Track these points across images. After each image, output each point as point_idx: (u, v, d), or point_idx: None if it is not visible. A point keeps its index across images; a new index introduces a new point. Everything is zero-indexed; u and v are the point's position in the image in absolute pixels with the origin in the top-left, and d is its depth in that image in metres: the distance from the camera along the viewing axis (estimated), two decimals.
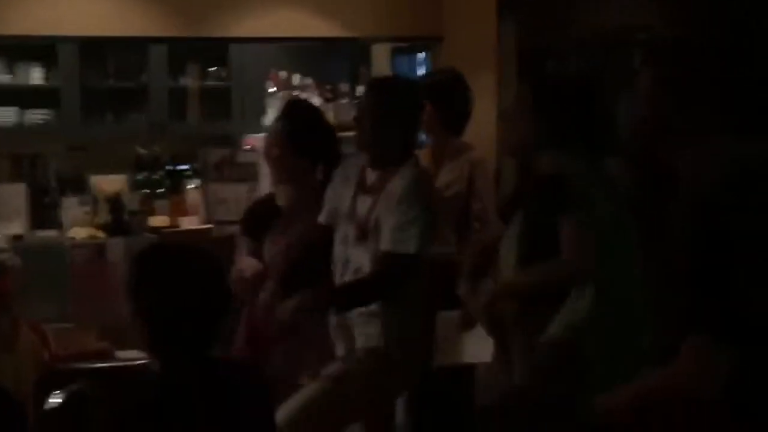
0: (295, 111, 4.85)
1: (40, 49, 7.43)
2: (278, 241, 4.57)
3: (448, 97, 5.23)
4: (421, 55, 8.02)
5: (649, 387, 2.09)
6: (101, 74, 7.70)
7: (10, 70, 7.49)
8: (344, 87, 7.84)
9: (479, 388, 4.48)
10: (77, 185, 7.19)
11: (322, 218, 4.39)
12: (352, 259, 4.20)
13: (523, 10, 6.63)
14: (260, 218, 4.69)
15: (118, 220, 6.87)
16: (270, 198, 4.81)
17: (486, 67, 6.72)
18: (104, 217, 6.89)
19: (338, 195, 4.31)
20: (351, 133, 7.17)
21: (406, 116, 4.25)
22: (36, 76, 7.52)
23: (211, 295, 2.86)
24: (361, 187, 4.24)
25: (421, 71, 7.99)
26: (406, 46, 8.09)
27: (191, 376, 2.84)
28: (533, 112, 3.64)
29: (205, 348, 2.89)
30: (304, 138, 4.59)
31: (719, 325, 1.96)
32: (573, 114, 3.61)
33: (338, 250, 4.28)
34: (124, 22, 7.03)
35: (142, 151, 7.47)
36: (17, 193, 6.82)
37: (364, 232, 4.14)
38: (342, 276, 4.24)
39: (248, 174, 7.16)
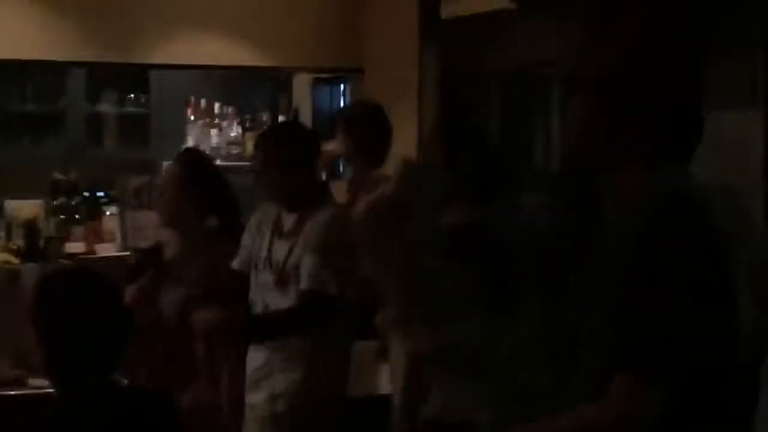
0: (188, 158, 4.89)
1: None
2: (173, 290, 4.54)
3: (366, 129, 5.27)
4: (342, 86, 8.04)
5: (575, 425, 2.07)
6: (18, 97, 7.62)
7: None
8: (264, 116, 7.83)
9: (394, 418, 4.48)
10: None
11: (235, 264, 4.39)
12: (270, 305, 4.20)
13: (444, 42, 6.68)
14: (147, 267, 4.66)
15: (34, 245, 6.76)
16: (158, 246, 4.78)
17: (407, 97, 6.76)
18: (19, 242, 6.79)
19: (254, 242, 4.31)
20: None
21: (308, 159, 4.28)
22: None
23: (108, 318, 2.86)
24: (277, 233, 4.26)
25: (342, 102, 8.02)
26: (327, 77, 8.12)
27: (90, 401, 2.83)
28: (442, 166, 3.63)
29: (104, 373, 2.88)
30: (194, 185, 4.59)
31: (649, 363, 1.95)
32: (478, 165, 3.61)
33: (255, 296, 4.27)
34: (42, 45, 6.94)
35: (59, 176, 7.38)
36: None
37: (283, 278, 4.15)
38: None
39: None
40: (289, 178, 4.20)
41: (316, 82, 8.25)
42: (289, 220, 4.24)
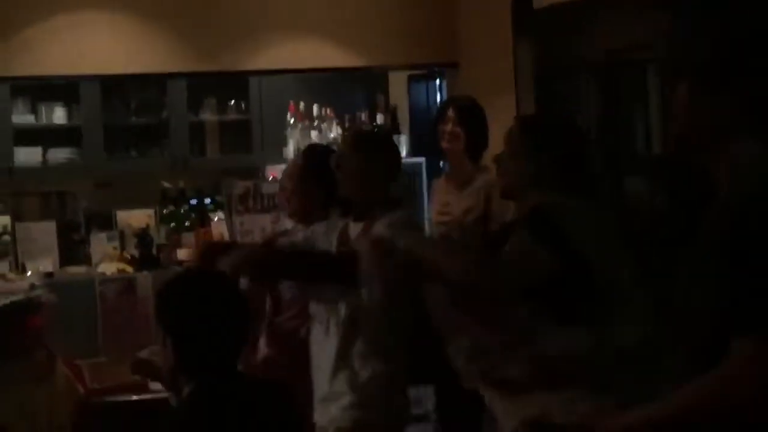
0: (312, 151, 4.88)
1: (62, 89, 7.56)
2: None
3: (478, 119, 5.31)
4: (438, 82, 8.11)
5: (696, 396, 2.09)
6: (123, 111, 7.83)
7: (34, 111, 7.62)
8: (363, 116, 7.93)
9: None
10: (104, 221, 7.28)
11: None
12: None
13: (537, 33, 6.69)
14: None
15: (146, 254, 6.95)
16: (283, 234, 4.82)
17: (503, 92, 6.77)
18: (132, 251, 6.98)
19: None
20: None
21: (385, 169, 4.16)
22: (59, 115, 7.65)
23: (233, 313, 3.01)
24: (344, 243, 4.12)
25: (438, 98, 8.08)
26: (422, 74, 8.19)
27: (223, 393, 2.97)
28: (522, 156, 3.59)
29: (232, 365, 3.03)
30: (318, 177, 4.57)
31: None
32: (557, 155, 3.57)
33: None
34: (144, 58, 7.12)
35: (167, 185, 7.58)
36: (48, 230, 6.90)
37: None
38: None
39: (272, 205, 7.24)
40: (362, 185, 4.10)
41: (412, 79, 8.33)
42: (355, 229, 4.11)
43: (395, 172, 4.26)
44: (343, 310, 3.97)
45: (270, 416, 3.04)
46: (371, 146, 4.21)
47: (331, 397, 4.00)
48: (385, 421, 3.99)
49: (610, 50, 6.37)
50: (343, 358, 3.97)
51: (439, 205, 5.32)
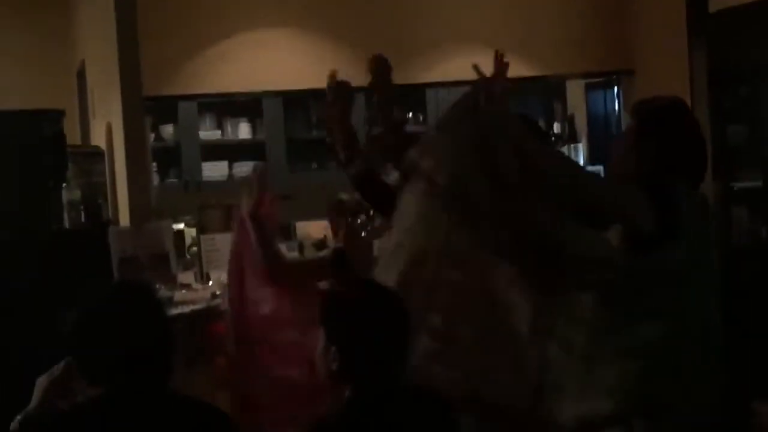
0: None
1: (246, 105, 7.80)
2: None
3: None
4: (616, 89, 8.03)
5: None
6: (304, 125, 8.02)
7: (219, 127, 7.88)
8: (540, 124, 7.90)
9: None
10: (284, 232, 7.45)
11: None
12: None
13: (714, 37, 6.57)
14: None
15: None
16: None
17: (679, 95, 6.67)
18: None
19: None
20: None
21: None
22: (243, 130, 7.89)
23: (395, 326, 3.03)
24: None
25: (616, 105, 8.00)
26: (600, 81, 8.12)
27: (381, 400, 3.01)
28: (636, 145, 3.48)
29: (392, 376, 3.05)
30: None
31: None
32: (671, 145, 3.45)
33: None
34: (324, 74, 7.25)
35: (344, 197, 7.70)
36: (230, 241, 7.09)
37: None
38: None
39: None
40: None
41: (590, 87, 8.27)
42: None
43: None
44: None
45: (427, 427, 3.07)
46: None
47: None
48: None
49: None
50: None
51: None
